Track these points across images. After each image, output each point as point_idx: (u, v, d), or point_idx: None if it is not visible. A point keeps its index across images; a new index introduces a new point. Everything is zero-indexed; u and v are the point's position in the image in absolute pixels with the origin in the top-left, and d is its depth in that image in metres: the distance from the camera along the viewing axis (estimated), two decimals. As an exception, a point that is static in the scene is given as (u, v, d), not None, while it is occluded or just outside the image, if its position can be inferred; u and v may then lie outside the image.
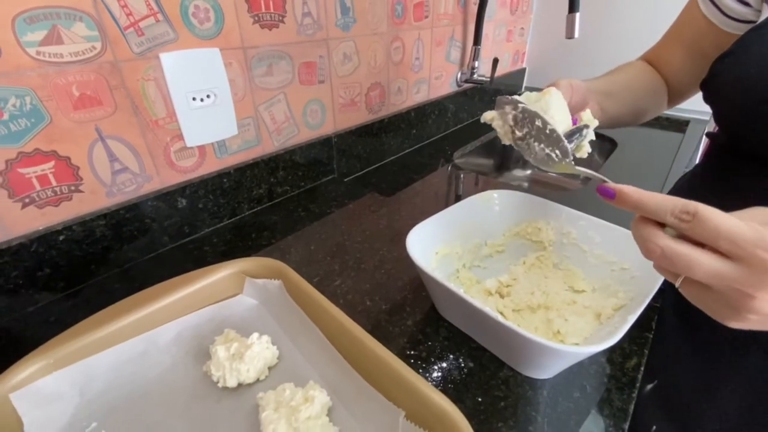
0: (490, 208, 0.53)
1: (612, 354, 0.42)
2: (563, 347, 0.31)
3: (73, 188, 0.49)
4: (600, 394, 0.38)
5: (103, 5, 0.45)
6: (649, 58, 0.55)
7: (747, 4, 0.42)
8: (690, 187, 0.54)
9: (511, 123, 0.36)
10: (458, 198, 0.78)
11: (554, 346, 0.31)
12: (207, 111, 0.58)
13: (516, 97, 0.37)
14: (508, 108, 0.36)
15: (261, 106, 0.65)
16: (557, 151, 0.33)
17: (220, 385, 0.37)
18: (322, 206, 0.72)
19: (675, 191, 0.58)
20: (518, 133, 0.35)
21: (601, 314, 0.40)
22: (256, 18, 0.59)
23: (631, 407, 0.37)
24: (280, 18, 0.62)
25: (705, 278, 0.23)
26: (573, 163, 0.34)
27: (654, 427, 0.51)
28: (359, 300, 0.50)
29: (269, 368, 0.39)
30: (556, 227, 0.51)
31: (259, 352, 0.38)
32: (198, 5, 0.53)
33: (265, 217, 0.69)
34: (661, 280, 0.38)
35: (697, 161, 1.04)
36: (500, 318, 0.34)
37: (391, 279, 0.54)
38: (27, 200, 0.46)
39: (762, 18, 0.39)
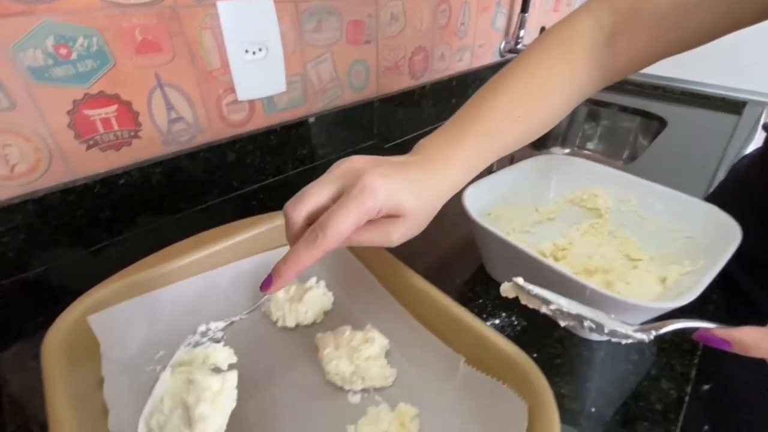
0: (544, 173, 0.52)
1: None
2: (641, 302, 0.30)
3: (132, 134, 0.50)
4: (660, 359, 0.37)
5: (166, -53, 0.45)
6: (619, 5, 0.35)
7: None
8: (747, 174, 0.51)
9: (531, 304, 0.28)
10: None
11: (629, 301, 0.30)
12: (259, 65, 0.58)
13: (523, 283, 0.28)
14: (522, 295, 0.28)
15: (309, 64, 0.64)
16: (615, 339, 0.24)
17: (279, 324, 0.38)
18: (364, 170, 0.71)
19: (731, 178, 0.55)
20: (548, 310, 0.26)
21: (667, 278, 0.39)
22: (310, -30, 0.58)
23: (693, 372, 0.36)
24: (333, -29, 0.61)
25: None
26: (646, 335, 0.24)
27: (706, 427, 0.50)
28: (406, 259, 0.50)
29: (325, 313, 0.40)
30: (615, 194, 0.49)
31: (316, 296, 0.39)
32: (255, -48, 0.52)
33: (308, 177, 0.68)
34: (735, 244, 0.36)
35: (753, 146, 0.98)
36: (565, 270, 0.33)
37: (437, 239, 0.53)
38: (91, 142, 0.47)
39: None
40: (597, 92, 0.39)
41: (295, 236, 0.28)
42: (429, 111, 0.91)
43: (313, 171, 0.71)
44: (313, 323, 0.39)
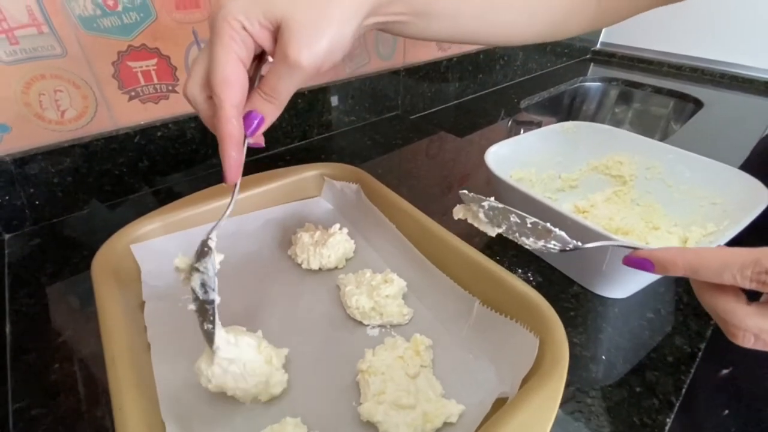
0: (569, 139, 0.52)
1: (691, 287, 0.41)
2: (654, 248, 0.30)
3: (170, 87, 0.53)
4: (676, 318, 0.38)
5: None
6: None
7: None
8: None
9: (485, 220, 0.29)
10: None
11: (641, 248, 0.30)
12: (289, 26, 0.59)
13: (476, 195, 0.29)
14: (473, 206, 0.29)
15: (338, 28, 0.65)
16: (553, 242, 0.26)
17: (303, 266, 0.40)
18: (388, 138, 0.72)
19: (754, 155, 0.53)
20: (498, 230, 0.28)
21: (688, 239, 0.39)
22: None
23: (708, 332, 0.36)
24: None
25: None
26: (580, 245, 0.26)
27: (726, 411, 0.50)
28: (426, 218, 0.51)
29: (346, 260, 0.42)
30: (641, 161, 0.48)
31: (339, 241, 0.41)
32: None
33: (333, 142, 0.70)
34: (762, 205, 0.35)
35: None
36: (581, 219, 0.33)
37: (455, 205, 0.54)
38: (133, 93, 0.50)
39: None
40: (584, 28, 0.37)
41: (203, 112, 0.26)
42: (454, 84, 0.91)
43: (339, 137, 0.72)
44: (336, 268, 0.41)
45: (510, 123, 0.88)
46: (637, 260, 0.23)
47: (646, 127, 1.15)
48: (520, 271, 0.43)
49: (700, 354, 0.34)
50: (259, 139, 0.27)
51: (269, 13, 0.23)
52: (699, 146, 0.76)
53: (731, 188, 0.41)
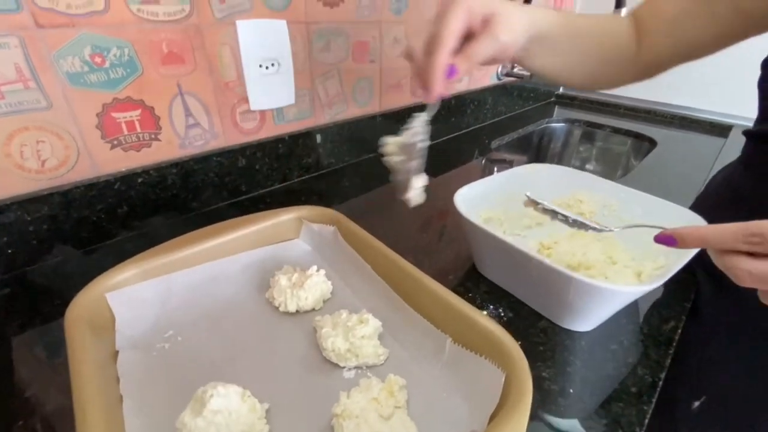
0: (534, 180, 0.55)
1: (650, 317, 0.43)
2: (609, 285, 0.33)
3: (153, 136, 0.55)
4: (637, 348, 0.40)
5: (194, -28, 0.51)
6: (638, 12, 0.44)
7: None
8: (729, 180, 0.54)
9: (545, 214, 0.45)
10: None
11: (599, 285, 0.33)
12: (271, 78, 0.63)
13: (534, 199, 0.46)
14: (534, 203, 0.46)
15: (317, 79, 0.69)
16: (590, 230, 0.41)
17: (281, 309, 0.41)
18: (367, 180, 0.75)
19: (708, 190, 0.58)
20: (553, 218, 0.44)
21: (642, 273, 0.42)
22: (321, -5, 0.64)
23: (668, 361, 0.38)
24: (341, -3, 0.67)
25: None
26: (614, 229, 0.39)
27: None
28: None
29: (324, 301, 0.43)
30: (599, 200, 0.52)
31: (317, 283, 0.42)
32: (272, -21, 0.58)
33: (313, 184, 0.73)
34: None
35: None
36: (544, 259, 0.36)
37: (433, 242, 0.57)
38: (115, 142, 0.52)
39: None
40: (626, 82, 0.46)
41: (416, 58, 0.36)
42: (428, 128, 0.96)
43: (318, 179, 0.75)
44: (313, 310, 0.42)
45: (483, 162, 0.93)
46: (664, 238, 0.29)
47: (609, 163, 1.23)
48: (492, 307, 0.44)
49: (660, 383, 0.36)
50: (449, 89, 0.37)
51: (488, 8, 0.34)
52: (654, 182, 0.83)
53: (677, 224, 0.44)
